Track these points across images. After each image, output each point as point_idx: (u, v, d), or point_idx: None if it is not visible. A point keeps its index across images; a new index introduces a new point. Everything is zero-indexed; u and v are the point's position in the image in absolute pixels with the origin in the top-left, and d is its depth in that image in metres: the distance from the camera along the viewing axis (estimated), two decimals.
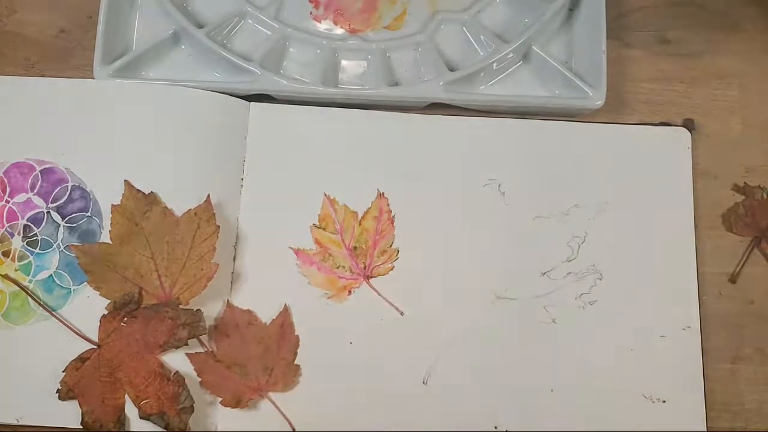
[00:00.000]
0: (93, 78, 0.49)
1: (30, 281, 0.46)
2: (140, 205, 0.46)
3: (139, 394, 0.44)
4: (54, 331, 0.45)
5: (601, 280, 0.47)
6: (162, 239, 0.46)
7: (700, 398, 0.45)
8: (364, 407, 0.45)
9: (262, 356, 0.45)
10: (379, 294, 0.47)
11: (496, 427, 0.45)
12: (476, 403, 0.45)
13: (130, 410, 0.44)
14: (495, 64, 0.49)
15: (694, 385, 0.45)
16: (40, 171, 0.48)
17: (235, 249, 0.47)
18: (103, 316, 0.45)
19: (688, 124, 0.50)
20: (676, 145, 0.49)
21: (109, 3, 0.49)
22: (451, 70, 0.49)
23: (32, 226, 0.47)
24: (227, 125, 0.49)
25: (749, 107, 0.51)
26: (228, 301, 0.46)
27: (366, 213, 0.48)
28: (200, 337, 0.45)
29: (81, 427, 0.44)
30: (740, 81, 0.51)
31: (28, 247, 0.47)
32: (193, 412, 0.44)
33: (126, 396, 0.44)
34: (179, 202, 0.47)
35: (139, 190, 0.46)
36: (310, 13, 0.51)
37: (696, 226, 0.48)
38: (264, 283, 0.47)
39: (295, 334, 0.46)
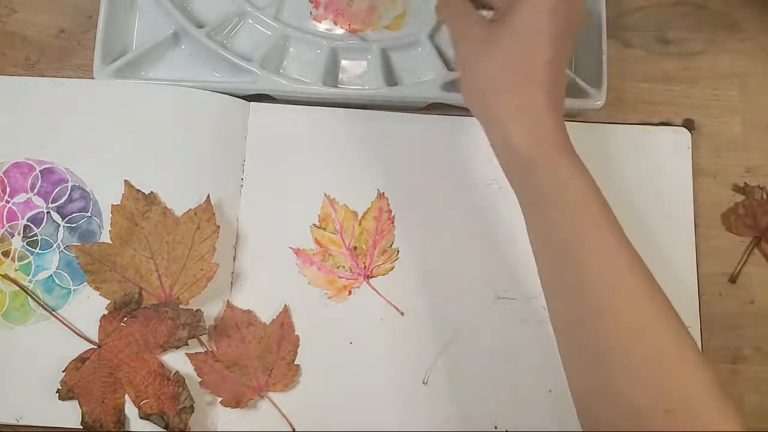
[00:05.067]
0: (93, 78, 0.49)
1: (30, 281, 0.46)
2: (140, 205, 0.46)
3: (139, 394, 0.44)
4: (54, 331, 0.45)
5: None
6: (162, 239, 0.46)
7: None
8: (364, 407, 0.45)
9: (262, 356, 0.45)
10: (379, 294, 0.47)
11: (496, 427, 0.45)
12: (476, 403, 0.45)
13: (130, 410, 0.44)
14: None
15: None
16: (40, 171, 0.48)
17: (235, 249, 0.47)
18: (103, 316, 0.45)
19: (688, 124, 0.50)
20: (676, 145, 0.49)
21: (109, 3, 0.49)
22: (451, 70, 0.49)
23: (32, 226, 0.47)
24: (227, 125, 0.49)
25: (749, 107, 0.51)
26: (228, 301, 0.46)
27: (366, 213, 0.48)
28: (200, 337, 0.45)
29: (81, 427, 0.44)
30: (740, 81, 0.51)
31: (28, 247, 0.47)
32: (193, 412, 0.44)
33: (126, 396, 0.44)
34: (179, 202, 0.47)
35: (139, 190, 0.46)
36: (310, 13, 0.51)
37: (696, 226, 0.48)
38: (264, 283, 0.47)
39: (295, 334, 0.46)
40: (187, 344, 0.44)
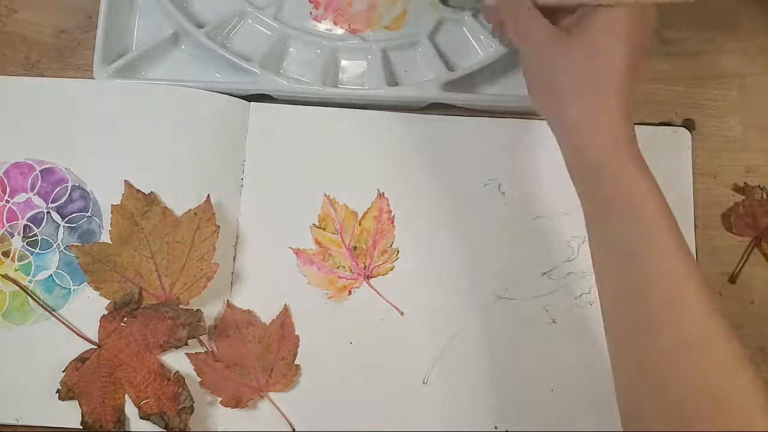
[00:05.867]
0: (93, 78, 0.49)
1: (30, 281, 0.46)
2: (140, 205, 0.46)
3: (139, 394, 0.44)
4: (54, 331, 0.45)
5: None
6: (162, 239, 0.46)
7: None
8: (364, 407, 0.45)
9: (262, 356, 0.45)
10: (379, 294, 0.47)
11: (496, 427, 0.45)
12: (476, 403, 0.45)
13: (130, 410, 0.44)
14: (495, 64, 0.49)
15: None
16: (40, 171, 0.48)
17: (235, 249, 0.47)
18: (103, 316, 0.45)
19: (688, 124, 0.50)
20: (676, 145, 0.49)
21: (109, 3, 0.49)
22: (451, 70, 0.49)
23: (32, 226, 0.47)
24: (227, 125, 0.49)
25: (749, 107, 0.51)
26: (228, 301, 0.46)
27: (366, 213, 0.48)
28: (200, 337, 0.45)
29: (81, 427, 0.44)
30: (740, 81, 0.51)
31: (28, 247, 0.47)
32: (193, 412, 0.44)
33: (126, 396, 0.44)
34: (179, 202, 0.47)
35: (139, 190, 0.46)
36: (310, 13, 0.51)
37: (696, 226, 0.48)
38: (264, 283, 0.47)
39: (295, 334, 0.46)
40: (187, 344, 0.44)
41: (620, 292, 0.36)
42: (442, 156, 0.49)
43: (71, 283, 0.46)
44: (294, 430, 0.45)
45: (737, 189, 0.49)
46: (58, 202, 0.47)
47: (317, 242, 0.48)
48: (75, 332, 0.45)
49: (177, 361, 0.45)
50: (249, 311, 0.46)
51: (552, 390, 0.46)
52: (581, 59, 0.37)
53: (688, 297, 0.33)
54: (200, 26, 0.50)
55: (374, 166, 0.49)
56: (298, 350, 0.46)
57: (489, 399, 0.45)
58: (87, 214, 0.47)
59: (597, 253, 0.37)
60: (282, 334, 0.46)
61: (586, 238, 0.47)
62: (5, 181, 0.48)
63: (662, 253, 0.34)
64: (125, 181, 0.47)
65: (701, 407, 0.32)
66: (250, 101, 0.49)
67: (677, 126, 0.50)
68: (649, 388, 0.34)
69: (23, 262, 0.47)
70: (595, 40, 0.37)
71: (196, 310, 0.45)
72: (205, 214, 0.46)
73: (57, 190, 0.48)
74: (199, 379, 0.45)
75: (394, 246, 0.48)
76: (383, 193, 0.48)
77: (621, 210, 0.35)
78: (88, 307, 0.45)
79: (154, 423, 0.43)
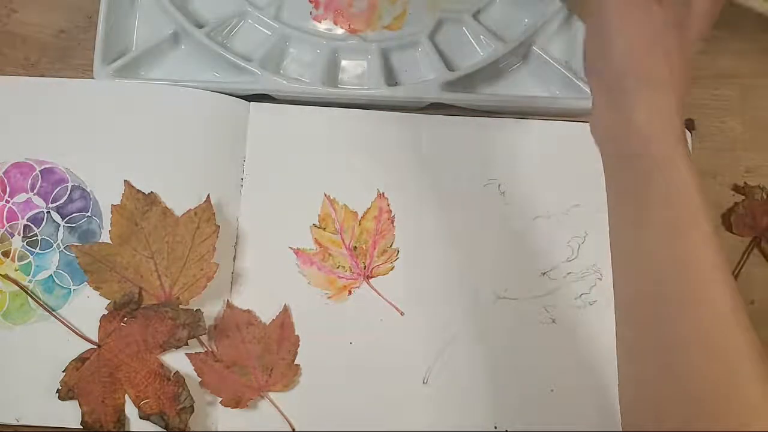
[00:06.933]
0: (93, 78, 0.49)
1: (30, 281, 0.46)
2: (140, 205, 0.46)
3: (139, 394, 0.44)
4: (54, 331, 0.45)
5: (601, 280, 0.47)
6: (162, 239, 0.46)
7: None
8: (364, 407, 0.45)
9: (261, 356, 0.45)
10: (379, 294, 0.47)
11: (496, 427, 0.45)
12: (476, 403, 0.45)
13: (130, 410, 0.44)
14: (495, 64, 0.49)
15: None
16: (40, 171, 0.48)
17: (235, 249, 0.47)
18: (103, 316, 0.45)
19: (688, 124, 0.50)
20: None
21: (109, 3, 0.49)
22: (451, 70, 0.49)
23: (32, 226, 0.47)
24: (227, 125, 0.49)
25: (749, 107, 0.51)
26: (228, 301, 0.46)
27: (366, 213, 0.48)
28: (200, 337, 0.45)
29: (81, 427, 0.44)
30: (740, 81, 0.51)
31: (28, 247, 0.47)
32: (193, 412, 0.44)
33: (126, 396, 0.44)
34: (179, 202, 0.47)
35: (139, 190, 0.46)
36: (310, 13, 0.51)
37: None
38: (264, 283, 0.47)
39: (295, 334, 0.46)
40: (187, 344, 0.44)
41: (642, 261, 0.35)
42: (442, 156, 0.49)
43: (71, 283, 0.46)
44: (294, 430, 0.45)
45: (737, 189, 0.49)
46: (58, 202, 0.47)
47: (317, 242, 0.48)
48: (75, 332, 0.45)
49: (177, 361, 0.45)
50: (249, 311, 0.46)
51: (552, 390, 0.46)
52: (655, 26, 0.37)
53: (719, 283, 0.33)
54: (200, 26, 0.50)
55: (374, 166, 0.49)
56: (298, 350, 0.46)
57: (489, 399, 0.45)
58: (87, 214, 0.47)
59: (620, 222, 0.37)
60: (282, 334, 0.46)
61: (586, 237, 0.48)
62: (5, 181, 0.48)
63: (700, 230, 0.34)
64: (125, 181, 0.47)
65: (713, 405, 0.31)
66: (250, 101, 0.49)
67: None
68: (660, 382, 0.33)
69: (23, 262, 0.47)
70: (671, 9, 0.36)
71: (196, 310, 0.45)
72: (205, 214, 0.46)
73: (57, 190, 0.48)
74: (199, 379, 0.45)
75: (394, 246, 0.48)
76: (383, 193, 0.48)
77: (660, 182, 0.35)
78: (88, 307, 0.45)
79: (154, 423, 0.43)
